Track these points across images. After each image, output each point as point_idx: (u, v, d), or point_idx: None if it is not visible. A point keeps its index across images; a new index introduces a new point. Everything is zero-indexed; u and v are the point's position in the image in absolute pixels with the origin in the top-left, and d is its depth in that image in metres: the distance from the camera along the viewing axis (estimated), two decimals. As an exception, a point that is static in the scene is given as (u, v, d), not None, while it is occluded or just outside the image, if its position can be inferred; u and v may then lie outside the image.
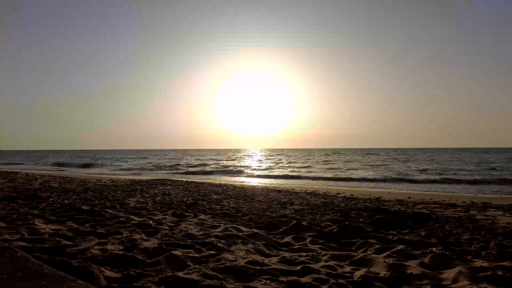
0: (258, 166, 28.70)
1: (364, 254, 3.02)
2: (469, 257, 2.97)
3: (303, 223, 4.27)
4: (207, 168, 26.36)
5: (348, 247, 3.37)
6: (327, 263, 2.68)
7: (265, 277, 2.30)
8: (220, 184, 12.62)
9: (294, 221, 4.30)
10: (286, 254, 2.94)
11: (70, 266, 2.14)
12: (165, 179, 14.40)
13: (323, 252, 3.04)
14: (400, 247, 3.16)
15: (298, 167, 26.69)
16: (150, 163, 34.60)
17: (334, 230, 3.93)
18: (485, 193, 11.04)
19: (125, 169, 26.52)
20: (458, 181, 15.59)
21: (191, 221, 4.40)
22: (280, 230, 4.03)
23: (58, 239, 3.01)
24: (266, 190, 10.28)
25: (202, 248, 2.97)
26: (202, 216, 4.83)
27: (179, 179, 15.18)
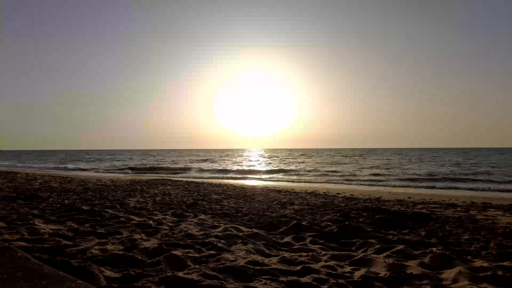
0: (258, 166, 28.70)
1: (364, 254, 3.02)
2: (469, 257, 2.97)
3: (303, 223, 4.27)
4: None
5: (348, 247, 3.37)
6: (327, 263, 2.68)
7: (265, 277, 2.30)
8: (220, 184, 12.62)
9: (294, 221, 4.30)
10: (286, 254, 2.94)
11: (70, 266, 2.14)
12: (165, 179, 14.40)
13: (323, 252, 3.04)
14: (400, 247, 3.16)
15: (299, 167, 26.69)
16: (125, 164, 33.74)
17: (334, 230, 3.93)
18: (485, 193, 11.04)
19: (83, 169, 26.66)
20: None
21: (191, 221, 4.40)
22: (280, 230, 4.03)
23: (58, 239, 3.01)
24: (266, 190, 10.28)
25: (202, 248, 2.97)
26: (202, 216, 4.83)
27: (179, 179, 15.18)
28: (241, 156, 60.04)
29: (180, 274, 2.18)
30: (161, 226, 3.96)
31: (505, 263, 2.72)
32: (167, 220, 4.46)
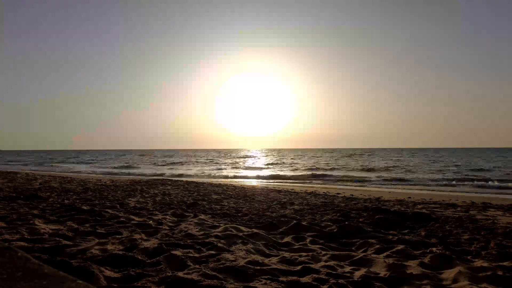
0: (258, 166, 28.70)
1: (364, 254, 3.02)
2: (469, 257, 2.97)
3: (303, 223, 4.27)
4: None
5: (348, 247, 3.37)
6: (327, 263, 2.68)
7: (265, 277, 2.30)
8: (220, 184, 12.62)
9: (294, 221, 4.30)
10: (286, 254, 2.94)
11: (70, 266, 2.14)
12: (165, 179, 14.40)
13: (323, 252, 3.04)
14: (400, 247, 3.16)
15: (299, 168, 26.69)
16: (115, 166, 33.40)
17: (334, 230, 3.93)
18: (485, 193, 11.04)
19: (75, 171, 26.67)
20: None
21: (191, 221, 4.40)
22: (280, 230, 4.03)
23: (58, 239, 3.01)
24: (266, 190, 10.28)
25: (202, 248, 2.97)
26: (202, 216, 4.83)
27: (179, 179, 15.18)
28: (241, 156, 60.02)
29: (180, 274, 2.18)
30: (161, 226, 3.96)
31: (505, 263, 2.72)
32: (167, 220, 4.46)
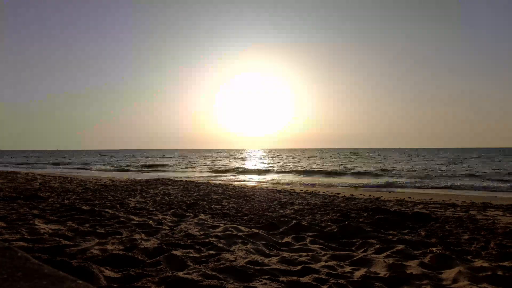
0: (258, 166, 28.71)
1: (364, 254, 3.02)
2: (469, 257, 2.97)
3: (303, 223, 4.27)
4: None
5: (348, 247, 3.37)
6: (327, 263, 2.68)
7: (265, 277, 2.30)
8: (220, 184, 12.62)
9: (294, 221, 4.30)
10: (286, 254, 2.94)
11: (70, 266, 2.14)
12: (165, 179, 14.40)
13: (323, 252, 3.04)
14: (400, 247, 3.16)
15: (299, 167, 26.69)
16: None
17: (334, 230, 3.93)
18: (485, 193, 11.04)
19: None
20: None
21: (191, 221, 4.40)
22: (280, 230, 4.03)
23: (58, 239, 3.01)
24: (266, 190, 10.28)
25: (202, 248, 2.97)
26: (202, 216, 4.83)
27: (179, 179, 15.18)
28: (241, 156, 60.03)
29: (180, 274, 2.18)
30: (161, 226, 3.96)
31: (505, 263, 2.72)
32: (167, 220, 4.46)
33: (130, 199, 6.83)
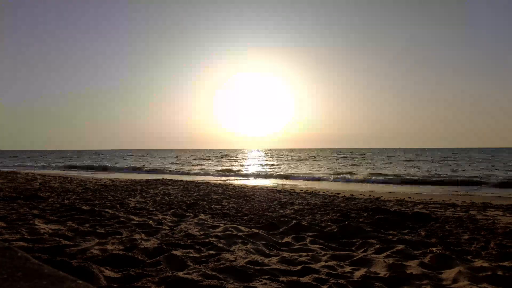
0: (258, 166, 28.72)
1: (364, 254, 3.02)
2: (469, 257, 2.97)
3: (303, 223, 4.27)
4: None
5: (348, 247, 3.37)
6: (327, 263, 2.68)
7: (265, 277, 2.30)
8: (220, 184, 12.63)
9: (294, 221, 4.30)
10: (286, 254, 2.94)
11: (70, 266, 2.14)
12: (165, 179, 14.40)
13: (323, 252, 3.04)
14: (400, 247, 3.16)
15: (299, 167, 26.71)
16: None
17: (334, 230, 3.93)
18: (485, 193, 11.03)
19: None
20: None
21: (191, 221, 4.40)
22: (280, 230, 4.03)
23: (58, 239, 3.01)
24: (266, 190, 10.28)
25: (202, 248, 2.97)
26: (202, 216, 4.83)
27: (179, 179, 15.18)
28: (241, 156, 60.06)
29: (180, 274, 2.18)
30: (161, 226, 3.96)
31: (505, 263, 2.72)
32: (167, 220, 4.46)
33: (130, 199, 6.83)
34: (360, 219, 4.83)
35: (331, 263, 2.70)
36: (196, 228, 3.92)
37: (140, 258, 2.52)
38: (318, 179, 17.37)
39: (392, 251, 3.08)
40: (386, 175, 18.50)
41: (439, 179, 16.22)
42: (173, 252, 2.67)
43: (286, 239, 3.58)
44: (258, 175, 20.45)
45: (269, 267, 2.49)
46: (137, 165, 30.16)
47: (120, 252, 2.60)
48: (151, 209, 5.52)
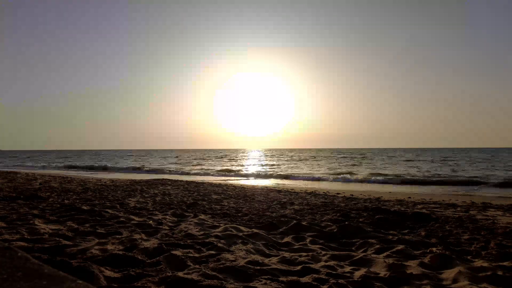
0: (258, 166, 28.72)
1: (364, 254, 3.02)
2: (469, 257, 2.97)
3: (303, 223, 4.27)
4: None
5: (348, 247, 3.38)
6: (327, 263, 2.68)
7: (265, 277, 2.30)
8: (220, 184, 12.62)
9: (294, 221, 4.30)
10: (286, 254, 2.94)
11: (70, 266, 2.14)
12: (165, 179, 14.40)
13: (323, 252, 3.04)
14: (400, 247, 3.16)
15: (299, 167, 26.71)
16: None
17: (334, 230, 3.93)
18: (485, 193, 11.03)
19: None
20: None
21: (191, 221, 4.41)
22: (280, 230, 4.03)
23: (58, 239, 3.01)
24: (266, 190, 10.28)
25: (202, 248, 2.97)
26: (202, 216, 4.83)
27: (179, 179, 15.18)
28: (241, 156, 60.06)
29: (180, 274, 2.18)
30: (161, 226, 3.96)
31: (505, 263, 2.72)
32: (167, 220, 4.46)
33: (130, 199, 6.83)
34: (360, 219, 4.83)
35: (331, 263, 2.70)
36: (196, 228, 3.92)
37: (140, 258, 2.52)
38: (318, 179, 17.36)
39: (392, 251, 3.08)
40: (386, 175, 18.50)
41: (439, 179, 16.22)
42: (173, 252, 2.67)
43: (286, 239, 3.58)
44: (258, 175, 20.46)
45: (269, 267, 2.49)
46: (137, 165, 30.17)
47: (120, 252, 2.60)
48: (151, 209, 5.52)
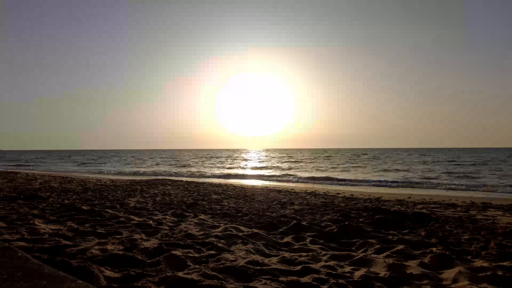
0: (258, 166, 28.72)
1: (364, 254, 3.02)
2: (469, 257, 2.97)
3: (303, 223, 4.27)
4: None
5: (348, 247, 3.37)
6: (327, 263, 2.68)
7: (265, 277, 2.30)
8: (220, 184, 12.62)
9: (294, 221, 4.30)
10: (286, 254, 2.94)
11: (70, 266, 2.14)
12: (165, 179, 14.40)
13: (323, 252, 3.04)
14: (400, 247, 3.16)
15: (299, 168, 26.70)
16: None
17: (334, 230, 3.93)
18: (484, 193, 11.02)
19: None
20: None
21: (191, 221, 4.40)
22: (280, 230, 4.03)
23: (58, 239, 3.01)
24: (266, 190, 10.28)
25: (202, 248, 2.97)
26: (202, 216, 4.83)
27: (179, 179, 15.18)
28: (241, 156, 60.04)
29: (180, 274, 2.18)
30: (161, 226, 3.96)
31: (505, 263, 2.72)
32: (167, 220, 4.46)
33: (130, 199, 6.83)
34: (360, 219, 4.82)
35: (331, 263, 2.70)
36: (196, 228, 3.92)
37: (140, 258, 2.52)
38: (318, 179, 17.35)
39: (392, 251, 3.08)
40: (387, 175, 18.46)
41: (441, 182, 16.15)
42: (173, 252, 2.67)
43: (286, 239, 3.58)
44: (258, 175, 20.44)
45: (269, 267, 2.49)
46: (137, 165, 30.15)
47: (120, 252, 2.60)
48: (151, 209, 5.52)
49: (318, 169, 24.31)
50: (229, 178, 19.00)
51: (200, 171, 24.22)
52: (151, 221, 4.20)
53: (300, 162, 35.34)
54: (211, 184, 12.07)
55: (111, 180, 13.29)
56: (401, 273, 2.41)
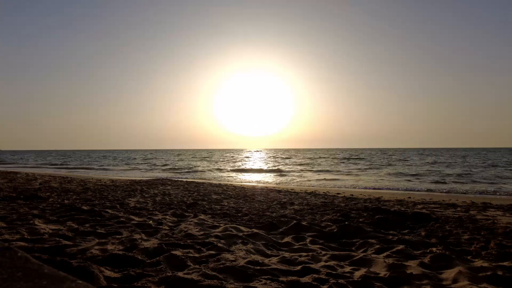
0: (258, 166, 28.72)
1: (364, 254, 3.02)
2: (469, 257, 2.97)
3: (303, 223, 4.27)
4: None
5: (348, 247, 3.37)
6: (327, 263, 2.68)
7: (265, 277, 2.30)
8: (220, 184, 12.62)
9: (294, 221, 4.30)
10: (286, 254, 2.94)
11: (70, 266, 2.14)
12: (165, 179, 14.40)
13: (323, 252, 3.04)
14: (400, 247, 3.16)
15: (298, 167, 26.69)
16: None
17: (334, 230, 3.93)
18: (484, 193, 11.03)
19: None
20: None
21: (191, 221, 4.40)
22: (280, 230, 4.03)
23: (58, 239, 3.01)
24: (266, 190, 10.28)
25: (202, 248, 2.97)
26: (202, 216, 4.83)
27: (179, 179, 15.18)
28: (241, 156, 60.02)
29: (180, 274, 2.18)
30: (161, 226, 3.96)
31: (505, 263, 2.72)
32: (167, 220, 4.46)
33: (130, 199, 6.83)
34: (360, 219, 4.82)
35: (331, 263, 2.70)
36: (196, 228, 3.92)
37: (140, 258, 2.52)
38: (319, 179, 17.35)
39: (392, 251, 3.07)
40: (388, 174, 18.47)
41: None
42: (173, 252, 2.67)
43: (286, 239, 3.58)
44: (257, 175, 20.43)
45: (269, 267, 2.49)
46: (137, 165, 30.15)
47: (120, 252, 2.60)
48: (151, 209, 5.52)
49: (318, 169, 24.33)
50: (229, 178, 19.00)
51: (200, 171, 24.24)
52: (151, 221, 4.20)
53: (300, 162, 35.41)
54: (211, 184, 12.07)
55: (111, 180, 13.28)
56: (401, 273, 2.41)
